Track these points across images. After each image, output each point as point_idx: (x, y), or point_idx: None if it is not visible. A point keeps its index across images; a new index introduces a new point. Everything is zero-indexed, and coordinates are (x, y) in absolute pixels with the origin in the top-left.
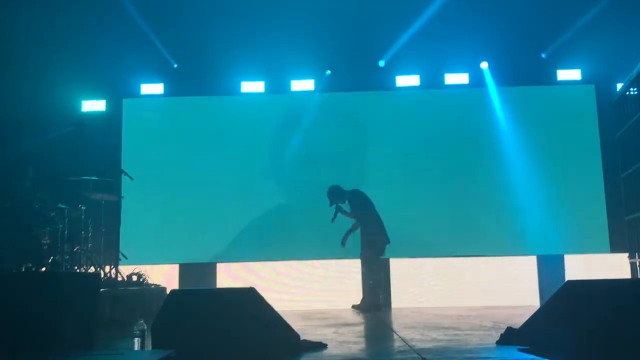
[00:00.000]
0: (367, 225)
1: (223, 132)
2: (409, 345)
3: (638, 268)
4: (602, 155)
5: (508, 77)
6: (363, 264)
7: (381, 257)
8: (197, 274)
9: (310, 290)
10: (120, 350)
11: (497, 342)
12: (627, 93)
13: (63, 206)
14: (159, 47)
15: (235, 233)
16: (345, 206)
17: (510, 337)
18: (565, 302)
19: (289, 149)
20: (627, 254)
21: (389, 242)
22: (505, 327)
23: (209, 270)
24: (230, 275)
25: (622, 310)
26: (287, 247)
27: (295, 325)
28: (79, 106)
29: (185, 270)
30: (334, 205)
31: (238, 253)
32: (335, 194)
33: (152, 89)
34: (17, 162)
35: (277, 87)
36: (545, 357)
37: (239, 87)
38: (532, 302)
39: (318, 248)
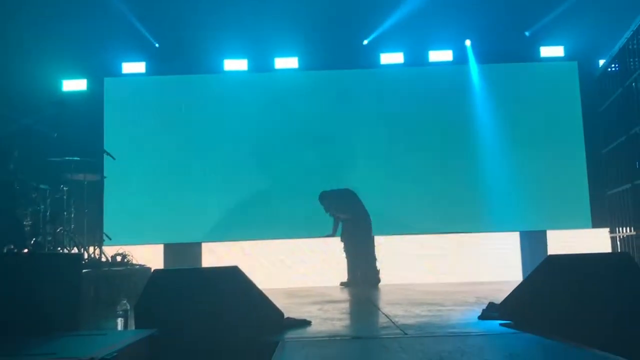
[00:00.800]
0: (358, 215)
1: (206, 111)
2: (392, 322)
3: (618, 242)
4: (585, 132)
5: (492, 54)
6: (355, 247)
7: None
8: (181, 254)
9: (295, 268)
10: (104, 330)
11: (479, 317)
12: (609, 69)
13: (44, 187)
14: (139, 26)
15: (220, 212)
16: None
17: (492, 312)
18: (547, 276)
19: (273, 127)
20: (608, 229)
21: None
22: (488, 303)
23: (194, 250)
24: (215, 255)
25: (601, 284)
26: (272, 226)
27: (280, 303)
28: (60, 86)
29: (170, 251)
30: (329, 214)
31: (223, 232)
32: (326, 199)
33: (134, 67)
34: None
35: (261, 64)
36: (526, 331)
37: (221, 65)
38: (515, 278)
39: (303, 227)
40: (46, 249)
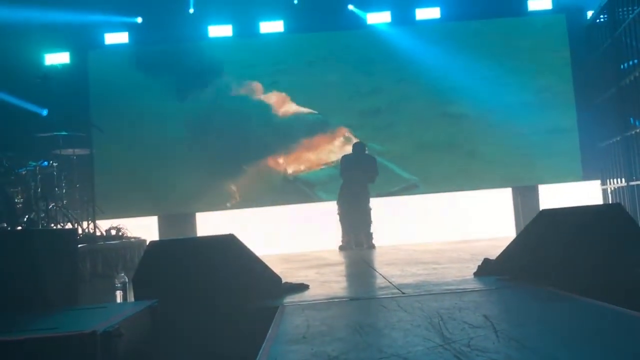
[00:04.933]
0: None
1: (193, 79)
2: (389, 282)
3: (609, 194)
4: (574, 85)
5: (479, 10)
6: (350, 211)
7: None
8: (176, 225)
9: (291, 234)
10: (104, 303)
11: (475, 274)
12: (598, 20)
13: (33, 163)
14: None
15: (212, 182)
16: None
17: (487, 267)
18: (540, 230)
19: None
20: (599, 181)
21: None
22: (483, 259)
23: (189, 220)
24: (210, 224)
25: (594, 234)
26: (265, 193)
27: (277, 268)
28: (42, 60)
29: (165, 222)
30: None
31: (217, 202)
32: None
33: (117, 38)
34: None
35: (246, 29)
36: (522, 285)
37: (206, 31)
38: (508, 234)
39: (295, 193)
40: (40, 226)
